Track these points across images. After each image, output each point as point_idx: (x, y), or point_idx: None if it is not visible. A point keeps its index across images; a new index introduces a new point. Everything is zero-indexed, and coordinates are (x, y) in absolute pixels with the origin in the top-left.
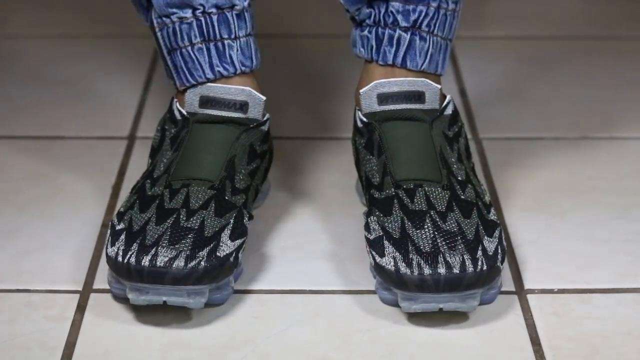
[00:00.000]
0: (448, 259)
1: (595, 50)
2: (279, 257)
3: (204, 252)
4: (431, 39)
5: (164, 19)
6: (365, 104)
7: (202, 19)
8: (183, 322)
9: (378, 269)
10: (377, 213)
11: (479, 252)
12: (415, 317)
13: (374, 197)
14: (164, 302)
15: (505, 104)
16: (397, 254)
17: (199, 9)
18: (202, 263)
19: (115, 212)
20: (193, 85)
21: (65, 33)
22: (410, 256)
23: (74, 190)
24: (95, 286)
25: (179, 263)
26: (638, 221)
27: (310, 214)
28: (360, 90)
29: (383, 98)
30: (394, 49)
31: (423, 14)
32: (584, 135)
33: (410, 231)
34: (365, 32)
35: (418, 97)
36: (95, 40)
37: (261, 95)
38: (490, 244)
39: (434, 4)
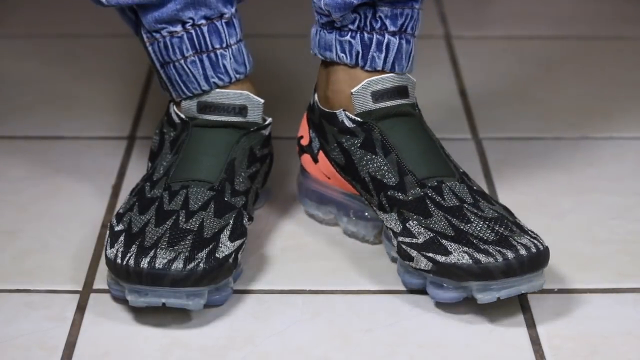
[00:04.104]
0: (519, 240)
1: (595, 50)
2: (279, 257)
3: (203, 254)
4: (412, 41)
5: (154, 34)
6: (359, 103)
7: (193, 31)
8: (183, 323)
9: (444, 268)
10: (414, 216)
11: (530, 232)
12: (416, 317)
13: (397, 199)
14: (163, 304)
15: (505, 104)
16: (466, 248)
17: (188, 22)
18: (201, 265)
19: (114, 213)
20: (189, 97)
21: (65, 33)
22: (483, 247)
23: (74, 190)
24: (95, 286)
25: (178, 265)
26: (638, 221)
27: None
28: (353, 90)
29: (378, 95)
30: (383, 54)
31: (409, 17)
32: (584, 135)
33: (463, 226)
34: (347, 37)
35: (405, 91)
36: (95, 40)
37: (259, 99)
38: (525, 225)
39: (417, 6)
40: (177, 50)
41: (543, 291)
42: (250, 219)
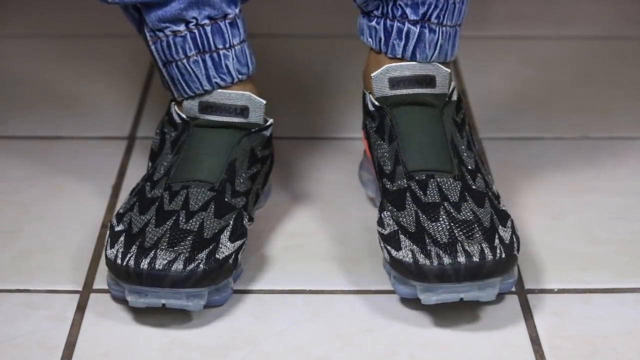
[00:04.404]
0: (467, 247)
1: (595, 50)
2: (279, 257)
3: (203, 255)
4: (440, 30)
5: (157, 32)
6: (377, 87)
7: (196, 31)
8: (183, 323)
9: (395, 263)
10: (390, 207)
11: (497, 241)
12: (416, 317)
13: (386, 188)
14: (163, 304)
15: (505, 104)
16: (415, 246)
17: (191, 22)
18: (201, 265)
19: (114, 213)
20: (191, 97)
21: (65, 33)
22: (429, 248)
23: (74, 190)
24: (95, 286)
25: (178, 266)
26: (638, 221)
27: (310, 214)
28: (372, 74)
29: (395, 82)
30: (402, 42)
31: (432, 6)
32: (584, 135)
33: (426, 224)
34: (373, 23)
35: (429, 81)
36: (95, 40)
37: (261, 100)
38: (505, 233)
39: None
40: (180, 50)
41: (543, 291)
42: (251, 219)
